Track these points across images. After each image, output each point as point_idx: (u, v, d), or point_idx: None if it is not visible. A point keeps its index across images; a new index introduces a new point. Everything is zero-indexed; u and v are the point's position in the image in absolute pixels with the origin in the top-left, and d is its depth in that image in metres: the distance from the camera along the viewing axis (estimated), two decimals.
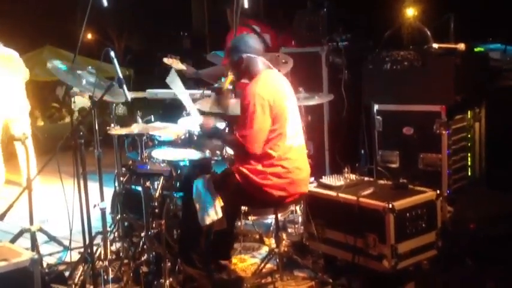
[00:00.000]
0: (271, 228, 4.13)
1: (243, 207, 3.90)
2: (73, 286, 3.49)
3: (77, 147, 3.25)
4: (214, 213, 3.33)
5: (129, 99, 3.29)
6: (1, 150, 6.27)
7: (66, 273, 3.62)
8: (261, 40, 5.06)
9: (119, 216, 3.91)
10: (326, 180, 3.78)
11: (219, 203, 3.35)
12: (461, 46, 4.05)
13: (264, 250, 4.06)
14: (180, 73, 4.01)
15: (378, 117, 4.37)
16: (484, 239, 3.60)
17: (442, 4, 4.72)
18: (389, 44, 4.43)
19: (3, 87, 5.89)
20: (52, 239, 4.23)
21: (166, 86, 3.63)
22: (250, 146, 3.23)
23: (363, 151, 4.62)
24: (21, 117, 6.12)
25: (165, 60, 4.59)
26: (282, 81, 3.48)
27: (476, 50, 4.43)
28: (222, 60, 4.98)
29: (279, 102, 3.29)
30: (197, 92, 4.55)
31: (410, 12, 4.85)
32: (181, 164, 3.86)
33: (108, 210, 3.74)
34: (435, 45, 4.15)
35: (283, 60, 4.41)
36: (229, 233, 3.65)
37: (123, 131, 3.82)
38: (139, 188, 3.67)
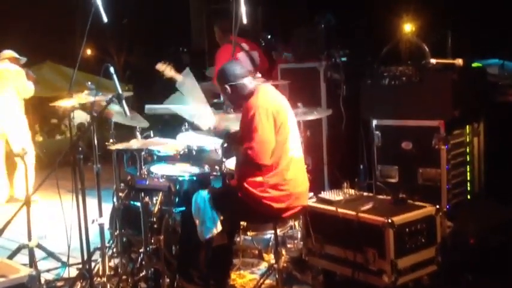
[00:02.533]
0: (271, 243, 4.11)
1: (242, 223, 3.89)
2: None
3: (76, 163, 3.25)
4: (214, 227, 3.32)
5: (128, 114, 3.29)
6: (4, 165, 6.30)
7: None
8: (249, 58, 5.10)
9: (118, 231, 3.89)
10: (325, 195, 3.77)
11: (218, 217, 3.34)
12: (459, 61, 4.07)
13: (263, 266, 4.04)
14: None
15: (377, 132, 4.38)
16: (484, 248, 3.59)
17: (440, 20, 4.76)
18: (387, 60, 4.45)
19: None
20: (50, 255, 4.20)
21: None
22: (258, 158, 3.22)
23: (361, 166, 4.61)
24: (18, 131, 6.13)
25: (158, 65, 4.52)
26: (279, 95, 3.52)
27: (474, 65, 4.45)
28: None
29: (282, 113, 3.33)
30: None
31: (408, 27, 4.89)
32: (180, 179, 3.86)
33: (106, 226, 3.73)
34: (433, 61, 4.17)
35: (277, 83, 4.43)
36: (229, 248, 3.63)
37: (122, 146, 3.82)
38: (138, 204, 3.66)
